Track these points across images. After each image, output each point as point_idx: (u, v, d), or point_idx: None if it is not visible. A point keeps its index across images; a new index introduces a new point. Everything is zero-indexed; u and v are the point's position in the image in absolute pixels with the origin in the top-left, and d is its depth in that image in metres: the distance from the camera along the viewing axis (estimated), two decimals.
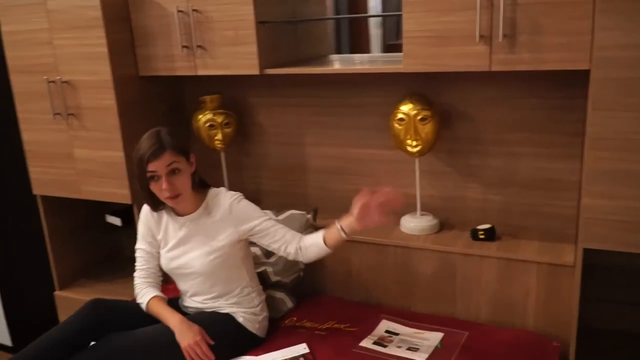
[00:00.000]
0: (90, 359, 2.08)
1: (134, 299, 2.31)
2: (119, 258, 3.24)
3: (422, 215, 2.53)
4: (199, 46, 2.52)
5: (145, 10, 2.59)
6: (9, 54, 2.78)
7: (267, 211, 2.38)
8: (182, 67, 2.60)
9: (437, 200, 2.60)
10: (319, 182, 2.85)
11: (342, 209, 2.74)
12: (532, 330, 2.28)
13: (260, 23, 2.43)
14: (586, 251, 1.96)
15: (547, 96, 2.30)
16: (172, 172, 2.10)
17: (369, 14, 2.97)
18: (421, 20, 2.11)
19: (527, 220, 2.47)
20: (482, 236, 2.37)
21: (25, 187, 2.97)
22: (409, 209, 2.58)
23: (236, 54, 2.47)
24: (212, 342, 2.13)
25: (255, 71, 2.46)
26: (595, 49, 1.79)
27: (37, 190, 2.94)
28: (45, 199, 2.96)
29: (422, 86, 2.46)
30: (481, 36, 2.02)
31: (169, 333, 2.12)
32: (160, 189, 2.10)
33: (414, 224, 2.50)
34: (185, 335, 2.10)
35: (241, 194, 2.28)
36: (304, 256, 2.21)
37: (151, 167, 2.07)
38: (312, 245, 2.19)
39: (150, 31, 2.62)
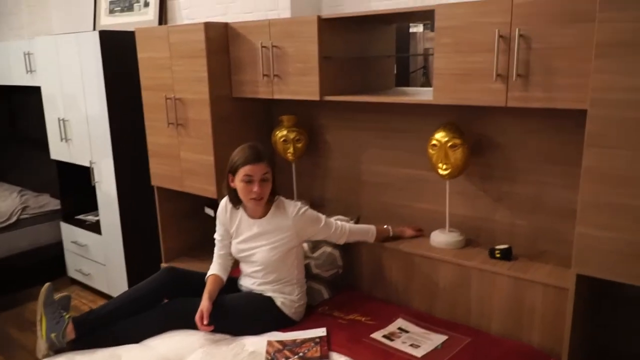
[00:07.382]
0: (157, 314, 2.29)
1: (203, 272, 2.47)
2: (212, 242, 3.41)
3: (450, 231, 2.46)
4: (275, 75, 2.67)
5: (240, 44, 2.78)
6: (142, 75, 3.10)
7: (320, 215, 2.44)
8: (263, 91, 2.75)
9: (467, 220, 2.52)
10: (370, 194, 2.86)
11: (385, 219, 2.78)
12: (535, 346, 2.13)
13: (324, 58, 2.52)
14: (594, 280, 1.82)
15: (577, 132, 2.14)
16: (264, 180, 2.25)
17: (409, 53, 2.99)
18: (449, 59, 2.09)
19: (550, 246, 2.32)
20: (498, 255, 2.26)
21: (147, 179, 3.27)
22: (440, 224, 2.53)
23: (303, 82, 2.58)
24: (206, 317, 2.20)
25: (316, 97, 2.54)
26: (591, 90, 1.68)
27: (154, 182, 3.23)
28: (160, 189, 3.23)
29: (461, 117, 2.40)
30: (498, 75, 1.97)
31: None
32: (250, 190, 2.24)
33: (441, 238, 2.44)
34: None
35: (305, 205, 2.39)
36: (347, 240, 2.49)
37: (249, 171, 2.23)
38: (360, 232, 2.51)
39: (243, 62, 2.80)
